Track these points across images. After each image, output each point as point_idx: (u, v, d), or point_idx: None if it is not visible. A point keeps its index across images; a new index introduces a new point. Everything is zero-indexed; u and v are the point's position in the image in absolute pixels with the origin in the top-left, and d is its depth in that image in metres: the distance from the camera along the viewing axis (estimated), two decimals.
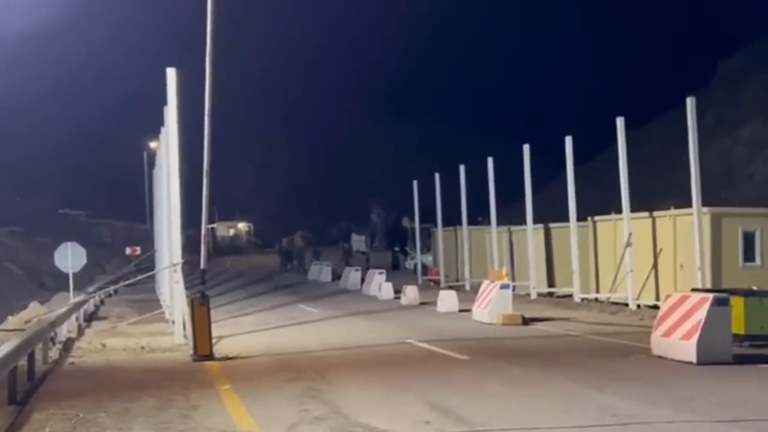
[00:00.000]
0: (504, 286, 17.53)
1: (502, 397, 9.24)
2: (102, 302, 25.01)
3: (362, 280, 30.21)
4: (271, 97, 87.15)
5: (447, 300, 20.83)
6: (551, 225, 25.20)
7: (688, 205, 18.20)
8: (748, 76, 37.76)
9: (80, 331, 17.05)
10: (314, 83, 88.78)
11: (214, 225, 69.98)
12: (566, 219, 22.75)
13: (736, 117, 35.29)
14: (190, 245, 18.72)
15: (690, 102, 17.91)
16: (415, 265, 35.16)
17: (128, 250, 44.80)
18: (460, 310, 20.11)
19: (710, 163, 30.75)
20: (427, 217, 33.43)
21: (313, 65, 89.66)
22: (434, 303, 21.34)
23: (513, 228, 27.27)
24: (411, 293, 23.60)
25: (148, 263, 36.92)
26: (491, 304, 17.42)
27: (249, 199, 79.78)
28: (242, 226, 76.48)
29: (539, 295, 23.76)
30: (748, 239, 18.44)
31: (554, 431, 7.56)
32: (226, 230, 73.95)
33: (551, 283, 24.70)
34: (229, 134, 61.23)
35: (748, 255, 18.39)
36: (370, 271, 30.02)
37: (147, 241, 43.11)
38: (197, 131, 14.00)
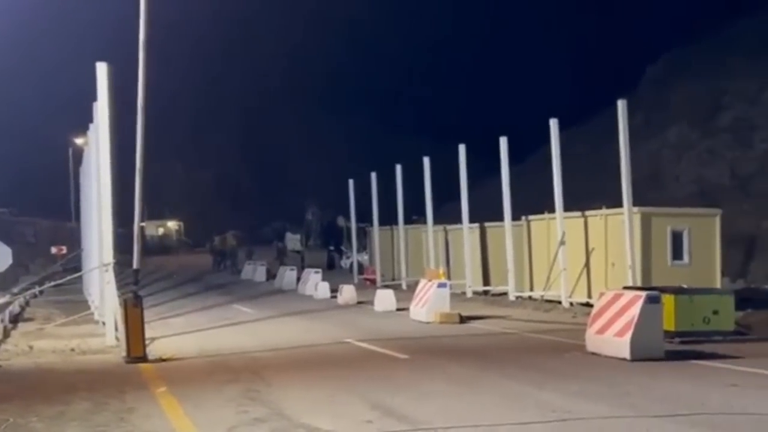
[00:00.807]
0: (441, 285, 17.63)
1: (443, 395, 9.27)
2: (27, 303, 24.14)
3: (298, 280, 29.99)
4: (202, 93, 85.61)
5: (384, 299, 20.84)
6: (486, 224, 25.48)
7: (619, 204, 18.63)
8: (675, 79, 38.95)
9: (6, 333, 16.39)
10: (248, 80, 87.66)
11: (143, 224, 68.44)
12: (501, 218, 23.03)
13: (663, 120, 36.34)
14: (118, 244, 18.18)
15: (621, 104, 18.33)
16: (351, 265, 35.10)
17: (54, 250, 43.39)
18: (398, 309, 20.15)
19: (638, 164, 31.55)
20: (363, 216, 33.42)
21: (245, 62, 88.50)
22: (371, 302, 21.34)
23: (449, 227, 27.47)
24: (348, 292, 23.52)
25: (75, 263, 35.88)
26: (429, 303, 17.50)
27: (179, 198, 78.38)
28: (172, 224, 74.99)
29: (475, 293, 23.99)
30: (677, 238, 18.97)
31: (496, 428, 7.61)
32: (155, 229, 72.34)
33: (486, 281, 24.98)
34: (159, 131, 60.02)
35: (677, 253, 18.92)
36: (306, 270, 29.82)
37: (73, 240, 41.91)
38: (125, 128, 13.66)
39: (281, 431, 7.67)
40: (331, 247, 43.36)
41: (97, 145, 16.34)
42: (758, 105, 32.99)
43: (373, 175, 30.77)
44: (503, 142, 22.86)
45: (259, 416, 8.29)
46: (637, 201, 18.65)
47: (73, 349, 13.91)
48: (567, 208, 20.81)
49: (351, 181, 33.19)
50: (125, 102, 13.61)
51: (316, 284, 26.43)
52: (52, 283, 27.04)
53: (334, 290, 24.91)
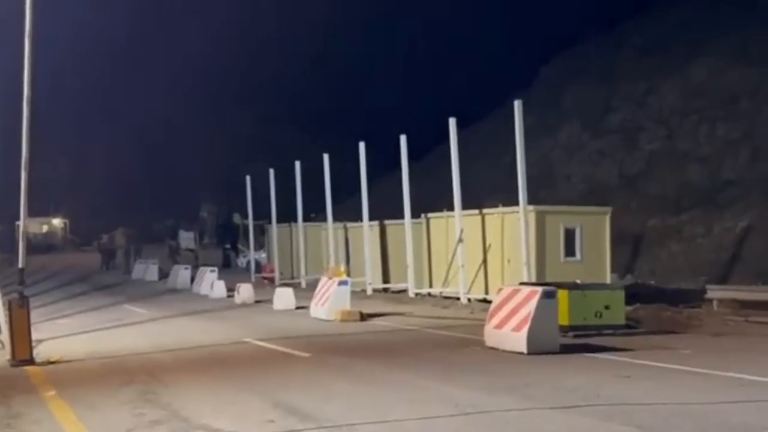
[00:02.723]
0: (342, 283, 17.57)
1: (346, 393, 9.19)
2: None
3: (192, 279, 29.26)
4: (88, 87, 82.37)
5: (283, 297, 20.59)
6: (386, 222, 25.58)
7: (513, 202, 19.07)
8: (567, 80, 40.24)
9: None
10: (136, 73, 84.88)
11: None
12: (401, 216, 23.17)
13: (555, 119, 37.47)
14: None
15: (517, 104, 18.73)
16: (248, 263, 34.56)
17: None
18: (297, 308, 19.95)
19: (531, 163, 32.47)
20: (261, 213, 32.95)
21: (135, 53, 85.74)
22: (270, 301, 21.04)
23: (348, 224, 27.44)
24: (245, 291, 23.12)
25: None
26: (329, 301, 17.40)
27: (65, 194, 75.07)
28: (57, 222, 71.81)
29: (375, 291, 24.05)
30: (569, 235, 19.57)
31: (401, 423, 7.59)
32: (39, 227, 69.11)
33: (386, 278, 25.08)
34: (43, 126, 57.40)
35: (569, 250, 19.53)
36: (201, 268, 29.12)
37: None
38: (9, 121, 12.92)
39: None
40: (227, 245, 42.55)
41: None
42: (645, 107, 34.49)
43: (272, 172, 30.38)
44: (403, 139, 23.00)
45: (156, 418, 7.99)
46: (529, 199, 19.14)
47: None
48: (465, 206, 21.14)
49: (248, 178, 32.65)
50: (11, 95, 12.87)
51: (211, 283, 25.86)
52: None
53: (230, 289, 24.45)
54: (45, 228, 69.60)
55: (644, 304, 16.92)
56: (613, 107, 35.80)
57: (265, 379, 10.14)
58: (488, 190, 28.90)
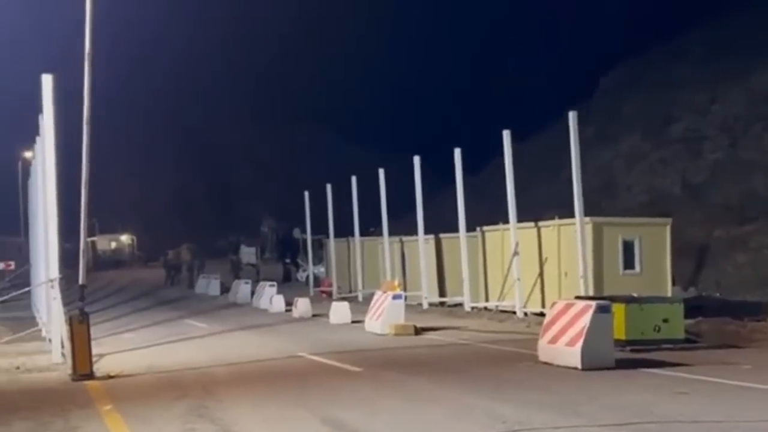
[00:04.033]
0: (396, 297, 17.57)
1: (395, 409, 9.18)
2: None
3: (252, 293, 29.67)
4: (154, 105, 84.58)
5: (339, 311, 20.69)
6: (442, 235, 25.52)
7: (571, 215, 18.80)
8: (627, 91, 39.63)
9: None
10: (201, 91, 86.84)
11: (95, 238, 67.17)
12: (456, 229, 23.09)
13: (616, 130, 36.91)
14: (67, 259, 17.79)
15: (572, 116, 18.53)
16: (307, 277, 34.87)
17: (1, 265, 42.36)
18: (353, 322, 20.02)
19: (591, 174, 32.00)
20: (319, 228, 33.25)
21: (199, 72, 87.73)
22: (327, 315, 21.17)
23: (405, 238, 27.46)
24: (303, 305, 23.32)
25: (23, 278, 34.99)
26: (384, 315, 17.42)
27: (132, 212, 77.16)
28: (125, 238, 73.67)
29: (431, 304, 23.97)
30: (628, 247, 19.19)
31: None
32: (107, 243, 71.07)
33: (442, 292, 24.99)
34: (111, 145, 59.15)
35: (628, 263, 19.14)
36: (261, 283, 29.51)
37: (22, 255, 40.92)
38: (76, 140, 13.36)
39: None
40: (287, 260, 43.00)
41: (43, 158, 16.00)
42: (707, 116, 33.70)
43: (329, 187, 30.66)
44: (457, 153, 22.97)
45: None
46: (589, 211, 18.84)
47: (18, 367, 13.52)
48: (521, 218, 20.95)
49: (306, 193, 33.03)
50: (80, 114, 13.29)
51: (270, 297, 26.17)
52: None
53: (289, 303, 24.70)
54: (113, 244, 71.49)
55: (707, 318, 16.46)
56: (674, 116, 35.07)
57: (315, 394, 10.22)
58: (547, 203, 28.57)
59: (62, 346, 13.63)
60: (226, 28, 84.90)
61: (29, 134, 19.65)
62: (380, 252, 27.78)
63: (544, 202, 29.33)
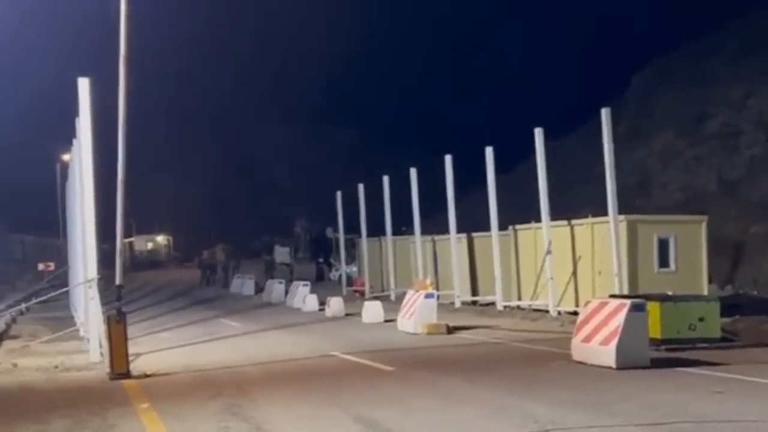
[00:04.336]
0: (428, 296, 17.58)
1: (427, 408, 9.20)
2: (14, 320, 23.97)
3: (286, 293, 29.88)
4: (188, 106, 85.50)
5: (372, 311, 20.77)
6: (474, 234, 25.47)
7: (605, 213, 18.66)
8: (660, 87, 39.14)
9: None
10: (232, 91, 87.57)
11: (132, 239, 68.11)
12: (488, 228, 23.03)
13: (650, 128, 36.47)
14: (105, 260, 18.07)
15: (605, 113, 18.39)
16: (340, 276, 35.01)
17: (41, 266, 43.19)
18: (386, 321, 20.08)
19: (625, 172, 31.71)
20: (352, 227, 33.36)
21: (232, 75, 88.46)
22: (359, 314, 21.26)
23: (436, 237, 27.45)
24: (336, 305, 23.44)
25: (62, 279, 35.63)
26: (416, 314, 17.45)
27: (168, 212, 78.11)
28: (161, 239, 74.66)
29: (463, 303, 23.94)
30: (663, 245, 19.00)
31: None
32: (144, 244, 72.04)
33: (475, 291, 24.94)
34: (147, 146, 59.90)
35: (663, 261, 18.95)
36: (294, 283, 29.72)
37: (61, 256, 41.67)
38: (113, 142, 13.57)
39: None
40: (320, 260, 43.23)
41: (79, 161, 16.26)
42: (743, 111, 33.15)
43: (361, 187, 30.75)
44: (489, 152, 22.90)
45: (240, 431, 8.21)
46: (624, 209, 18.68)
47: (57, 366, 13.76)
48: (555, 217, 20.84)
49: (339, 193, 33.17)
50: (116, 116, 13.52)
51: (304, 297, 26.34)
52: (38, 299, 26.89)
53: (322, 303, 24.84)
54: (150, 245, 72.46)
55: (744, 316, 16.22)
56: (709, 113, 34.54)
57: (348, 393, 10.28)
58: (581, 201, 28.35)
59: (100, 346, 13.86)
60: (260, 27, 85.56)
61: (68, 137, 19.98)
62: (412, 251, 27.79)
63: (578, 201, 29.12)
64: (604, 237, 18.81)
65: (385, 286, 29.73)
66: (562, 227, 20.75)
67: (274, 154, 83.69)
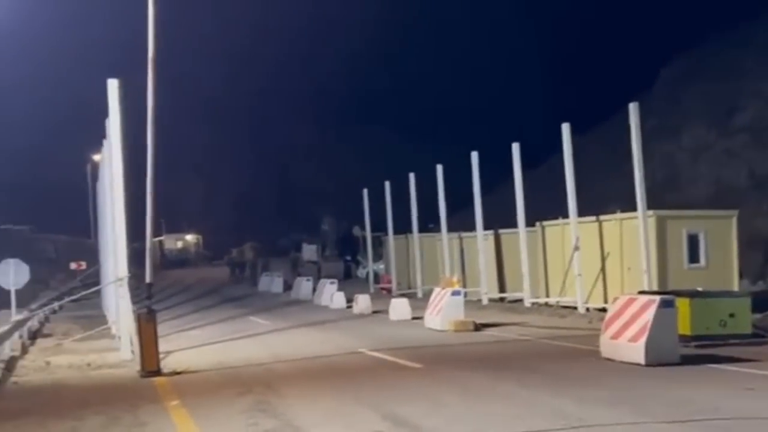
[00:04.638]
0: (455, 293, 17.58)
1: (454, 405, 9.21)
2: (47, 319, 24.37)
3: (314, 290, 30.03)
4: (216, 106, 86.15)
5: (399, 308, 20.81)
6: (501, 231, 25.39)
7: (634, 208, 18.51)
8: (689, 81, 38.66)
9: (24, 350, 16.56)
10: (259, 91, 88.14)
11: (162, 238, 68.80)
12: (515, 225, 22.95)
13: (679, 122, 36.03)
14: (135, 259, 18.31)
15: (633, 108, 18.25)
16: (367, 274, 35.10)
17: (73, 265, 43.80)
18: (413, 318, 20.11)
19: (654, 167, 31.38)
20: (378, 225, 33.42)
21: (259, 73, 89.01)
22: (386, 311, 21.31)
23: (463, 234, 27.42)
24: (363, 302, 23.53)
25: (93, 278, 36.13)
26: (443, 311, 17.45)
27: (197, 211, 78.80)
28: (191, 238, 75.33)
29: (491, 300, 23.90)
30: (693, 241, 18.81)
31: None
32: (174, 243, 72.71)
33: (502, 288, 24.88)
34: (176, 145, 60.47)
35: (693, 256, 18.76)
36: (322, 280, 29.87)
37: (92, 255, 42.20)
38: (144, 142, 13.74)
39: None
40: (348, 257, 43.38)
41: (110, 161, 16.48)
42: None
43: (387, 184, 30.79)
44: (515, 148, 22.82)
45: (269, 428, 8.29)
46: (654, 204, 18.51)
47: (89, 364, 13.98)
48: (583, 213, 20.72)
49: (365, 191, 33.24)
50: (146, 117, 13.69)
51: (331, 294, 26.47)
52: (70, 298, 27.29)
53: (349, 300, 24.94)
54: (180, 244, 73.11)
55: None
56: (739, 106, 34.04)
57: (376, 390, 10.32)
58: (610, 197, 28.14)
59: (131, 344, 14.04)
60: (289, 29, 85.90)
61: (99, 138, 20.25)
62: (439, 248, 27.78)
63: (606, 197, 28.89)
64: (632, 233, 18.66)
65: (412, 284, 29.75)
66: (590, 223, 20.62)
67: (302, 153, 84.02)
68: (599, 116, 43.84)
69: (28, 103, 74.16)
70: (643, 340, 11.31)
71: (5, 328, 15.42)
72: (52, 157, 71.53)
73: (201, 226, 76.77)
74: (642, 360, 11.18)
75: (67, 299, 28.71)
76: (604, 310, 18.23)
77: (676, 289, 14.21)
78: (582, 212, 20.71)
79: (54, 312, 26.87)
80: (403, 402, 9.36)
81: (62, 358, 14.91)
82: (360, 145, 79.40)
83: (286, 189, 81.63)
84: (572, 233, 20.40)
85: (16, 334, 16.78)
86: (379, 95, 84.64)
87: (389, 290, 29.94)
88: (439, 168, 26.77)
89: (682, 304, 12.66)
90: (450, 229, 27.20)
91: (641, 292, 13.68)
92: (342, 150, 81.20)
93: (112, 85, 15.07)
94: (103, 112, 15.83)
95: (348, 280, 37.70)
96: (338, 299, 25.86)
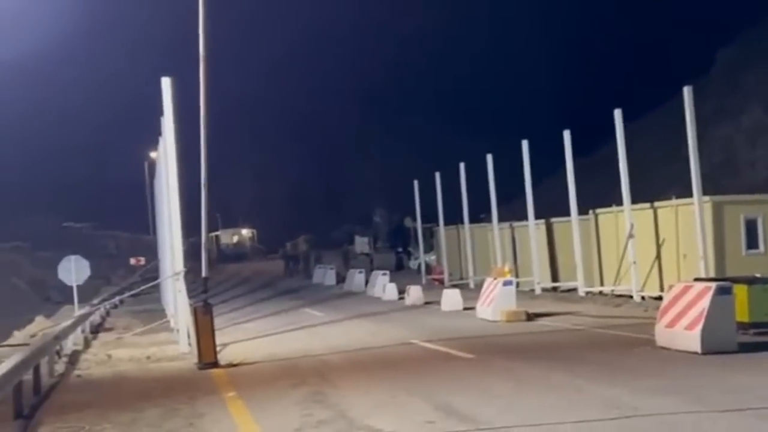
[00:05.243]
0: (507, 283, 17.50)
1: (506, 395, 9.22)
2: (108, 313, 25.05)
3: (366, 282, 30.22)
4: (270, 102, 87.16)
5: (451, 299, 20.82)
6: (553, 219, 25.17)
7: (690, 194, 18.16)
8: (747, 63, 37.67)
9: (86, 344, 17.07)
10: (311, 86, 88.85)
11: (218, 232, 69.91)
12: (568, 213, 22.72)
13: (736, 105, 35.17)
14: (192, 253, 18.70)
15: (687, 91, 17.88)
16: (419, 265, 35.16)
17: (133, 261, 44.91)
18: (465, 308, 20.10)
19: (711, 151, 30.73)
20: (429, 216, 33.43)
21: (309, 67, 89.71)
22: (438, 302, 21.34)
23: (515, 224, 27.25)
24: (415, 293, 23.60)
25: (153, 273, 36.95)
26: (495, 302, 17.41)
27: (252, 206, 79.86)
28: (246, 232, 76.36)
29: (543, 290, 23.74)
30: (751, 226, 18.39)
31: (558, 427, 7.54)
32: (229, 237, 73.82)
33: (555, 277, 24.68)
34: (229, 141, 61.37)
35: (751, 242, 18.35)
36: (374, 272, 30.04)
37: (151, 251, 43.16)
38: (197, 139, 14.01)
39: None
40: (399, 249, 43.52)
41: (165, 158, 16.84)
42: None
43: (437, 175, 30.76)
44: (567, 135, 22.57)
45: (323, 418, 8.42)
46: (710, 189, 18.14)
47: (149, 357, 14.36)
48: (638, 200, 20.42)
49: (416, 182, 33.25)
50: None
51: (383, 286, 26.60)
52: (130, 293, 27.99)
53: (401, 291, 25.03)
54: (235, 238, 74.19)
55: None
56: None
57: (428, 381, 10.38)
58: (665, 183, 27.65)
59: (188, 337, 14.36)
60: (337, 24, 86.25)
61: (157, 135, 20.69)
62: (490, 238, 27.67)
63: (661, 183, 28.40)
64: (688, 219, 18.32)
65: (464, 274, 29.71)
66: (644, 210, 20.30)
67: (353, 145, 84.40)
68: (656, 101, 43.01)
69: (89, 101, 76.07)
70: (699, 328, 11.13)
71: (68, 323, 15.93)
72: (112, 155, 73.24)
73: (255, 221, 77.76)
74: (698, 348, 11.01)
75: (127, 294, 29.47)
76: (659, 298, 17.93)
77: (733, 276, 13.91)
78: (637, 199, 20.41)
79: (115, 307, 27.58)
80: (455, 392, 9.41)
81: (123, 352, 15.33)
82: (409, 137, 79.35)
83: (337, 182, 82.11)
84: (626, 221, 20.11)
85: (79, 329, 17.31)
86: (428, 87, 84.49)
87: (441, 281, 29.95)
88: (489, 157, 26.63)
89: (740, 291, 12.39)
90: (501, 218, 27.05)
91: (697, 280, 13.44)
92: (391, 142, 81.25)
93: (166, 83, 15.39)
94: (161, 110, 16.17)
95: (400, 272, 37.84)
96: (390, 290, 25.98)
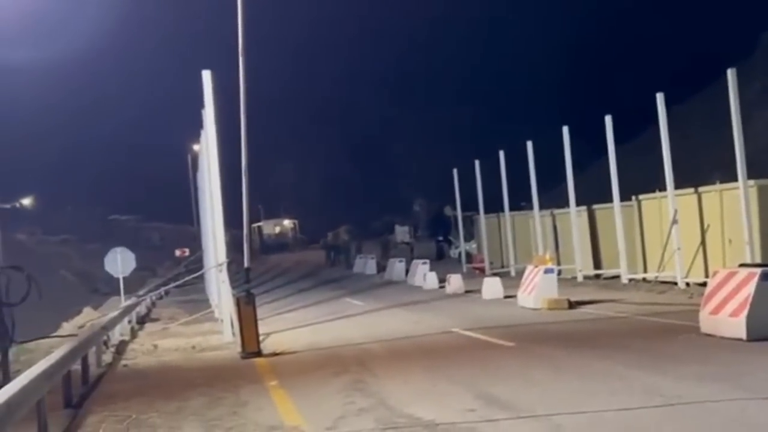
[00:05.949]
0: (548, 271, 17.40)
1: (547, 383, 9.20)
2: (154, 304, 25.52)
3: (407, 271, 30.27)
4: (310, 92, 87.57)
5: (492, 287, 20.76)
6: (595, 206, 24.92)
7: (735, 178, 17.83)
8: None
9: (133, 334, 17.43)
10: (347, 75, 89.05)
11: (260, 223, 70.57)
12: (610, 199, 22.47)
13: None
14: (235, 244, 18.92)
15: (731, 74, 17.53)
16: (460, 254, 35.10)
17: (177, 252, 45.58)
18: (506, 297, 20.03)
19: (756, 134, 30.02)
20: (469, 204, 33.34)
21: (347, 56, 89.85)
22: (479, 291, 21.30)
23: (556, 211, 27.03)
24: (455, 282, 23.58)
25: (196, 264, 37.46)
26: (536, 290, 17.32)
27: (294, 197, 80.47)
28: (288, 223, 77.00)
29: (586, 277, 23.53)
30: None
31: (600, 414, 7.50)
32: (272, 228, 74.48)
33: (597, 265, 24.44)
34: (269, 133, 61.78)
35: None
36: (415, 261, 30.07)
37: (195, 242, 43.78)
38: (238, 131, 14.16)
39: (384, 421, 7.83)
40: (440, 238, 43.47)
41: (207, 150, 17.07)
42: None
43: (477, 163, 30.62)
44: (608, 121, 22.30)
45: (364, 407, 8.49)
46: (755, 173, 17.78)
47: (193, 347, 14.61)
48: (681, 184, 20.11)
49: (455, 170, 33.16)
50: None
51: (424, 275, 26.62)
52: (175, 284, 28.45)
53: (442, 280, 25.02)
54: (277, 229, 74.85)
55: None
56: None
57: (468, 369, 10.40)
58: (710, 167, 27.13)
59: (232, 326, 14.58)
60: (376, 11, 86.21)
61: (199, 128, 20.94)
62: (531, 226, 27.51)
63: (706, 167, 27.86)
64: (733, 204, 17.99)
65: (505, 263, 29.59)
66: (688, 195, 19.99)
67: (392, 135, 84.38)
68: (699, 84, 42.18)
69: (136, 96, 77.23)
70: (744, 314, 10.95)
71: (115, 313, 16.26)
72: (157, 149, 74.33)
73: (297, 211, 78.32)
74: (743, 335, 10.84)
75: (172, 285, 29.96)
76: (704, 284, 17.67)
77: None
78: (680, 184, 20.09)
79: (160, 297, 28.08)
80: (496, 381, 9.41)
81: (169, 342, 15.62)
82: (449, 125, 79.06)
83: (377, 172, 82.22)
84: (670, 206, 19.82)
85: (126, 320, 17.67)
86: (466, 74, 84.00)
87: (482, 269, 29.87)
88: (530, 144, 26.43)
89: None
90: (542, 206, 26.86)
91: (742, 265, 13.21)
92: (431, 130, 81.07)
93: (206, 77, 15.59)
94: (203, 103, 16.36)
95: (440, 261, 37.79)
96: (431, 279, 26.00)
